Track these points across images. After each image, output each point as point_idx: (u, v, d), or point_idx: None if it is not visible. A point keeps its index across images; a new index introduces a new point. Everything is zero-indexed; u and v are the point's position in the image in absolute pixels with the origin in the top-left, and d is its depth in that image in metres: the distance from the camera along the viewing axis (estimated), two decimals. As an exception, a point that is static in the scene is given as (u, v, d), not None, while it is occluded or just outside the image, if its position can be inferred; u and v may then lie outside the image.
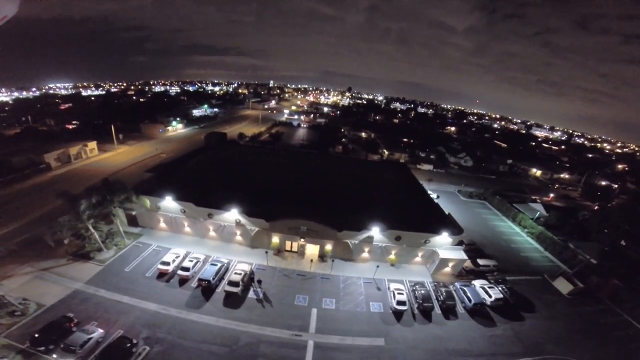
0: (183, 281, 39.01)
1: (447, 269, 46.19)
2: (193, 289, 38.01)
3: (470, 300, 39.72)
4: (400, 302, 37.98)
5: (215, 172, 62.39)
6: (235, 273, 39.63)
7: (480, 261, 48.74)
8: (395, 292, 38.87)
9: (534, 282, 48.11)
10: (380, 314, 37.03)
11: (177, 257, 41.54)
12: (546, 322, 39.81)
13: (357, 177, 67.39)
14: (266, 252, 44.58)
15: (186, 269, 39.55)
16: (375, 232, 45.10)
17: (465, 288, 41.63)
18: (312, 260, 45.17)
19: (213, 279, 38.33)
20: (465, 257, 46.17)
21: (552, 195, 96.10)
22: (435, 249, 46.17)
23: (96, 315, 32.78)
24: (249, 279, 39.72)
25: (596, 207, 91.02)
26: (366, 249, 46.80)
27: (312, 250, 46.67)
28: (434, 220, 48.48)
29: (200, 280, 38.07)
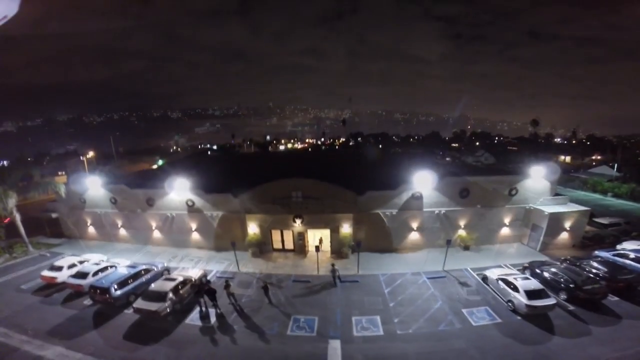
0: (74, 296, 18.53)
1: (563, 236, 23.22)
2: (84, 308, 17.19)
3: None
4: (534, 293, 15.19)
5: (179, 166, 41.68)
6: (166, 279, 18.04)
7: (603, 220, 26.63)
8: (511, 279, 16.49)
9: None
10: (497, 327, 14.41)
11: (80, 262, 20.86)
12: None
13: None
14: (233, 246, 21.47)
15: (82, 276, 18.66)
16: (424, 184, 23.60)
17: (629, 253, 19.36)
18: (318, 254, 21.56)
19: (116, 288, 16.80)
20: (584, 208, 23.92)
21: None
22: (530, 206, 24.08)
23: None
24: (195, 291, 17.56)
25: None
26: (413, 224, 24.47)
27: (317, 239, 24.36)
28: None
29: (92, 289, 16.93)
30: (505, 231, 24.82)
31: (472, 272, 20.31)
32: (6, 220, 26.16)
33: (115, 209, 27.61)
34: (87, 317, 16.29)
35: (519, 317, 15.13)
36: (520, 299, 15.26)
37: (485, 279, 18.78)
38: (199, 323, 15.69)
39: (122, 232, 27.93)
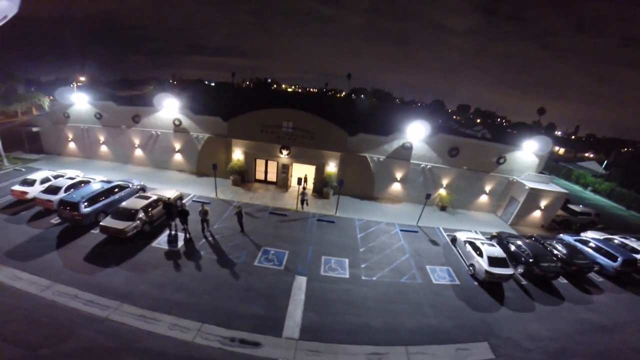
0: (43, 213, 16.65)
1: (536, 214, 22.78)
2: (50, 227, 15.59)
3: (615, 258, 17.31)
4: (496, 260, 15.01)
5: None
6: (138, 197, 16.77)
7: (575, 207, 26.74)
8: (478, 243, 16.30)
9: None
10: (454, 289, 14.43)
11: (55, 178, 18.58)
12: None
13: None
14: (214, 168, 20.35)
15: (54, 191, 16.71)
16: (415, 135, 22.41)
17: (594, 240, 19.10)
18: (305, 204, 20.95)
19: (86, 204, 15.28)
20: (564, 190, 23.95)
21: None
22: (513, 178, 23.19)
23: None
24: (166, 212, 15.90)
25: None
26: (398, 174, 23.64)
27: (302, 176, 22.27)
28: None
29: (61, 205, 15.13)
30: (483, 199, 24.13)
31: (443, 232, 20.19)
32: None
33: (99, 124, 25.43)
34: (50, 237, 14.86)
35: (475, 283, 15.07)
36: (482, 264, 14.98)
37: (454, 240, 18.61)
38: (165, 247, 15.10)
39: (104, 148, 26.27)
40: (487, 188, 23.74)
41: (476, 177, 23.35)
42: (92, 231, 15.56)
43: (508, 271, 14.87)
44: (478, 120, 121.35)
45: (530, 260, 16.20)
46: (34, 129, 26.77)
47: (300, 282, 13.71)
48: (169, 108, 23.40)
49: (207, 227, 16.38)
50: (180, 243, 15.52)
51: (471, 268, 15.90)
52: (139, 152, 25.48)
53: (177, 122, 23.81)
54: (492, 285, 14.96)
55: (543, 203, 22.38)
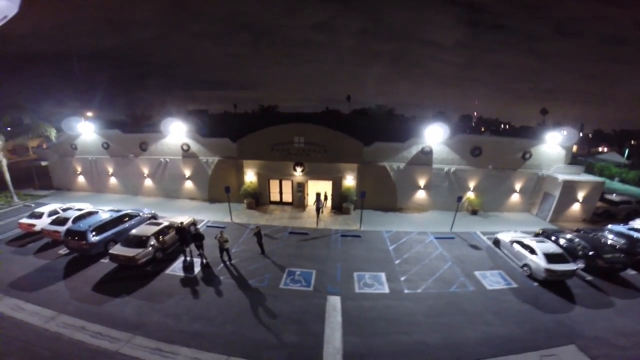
0: (51, 245, 15.68)
1: (575, 208, 20.62)
2: (57, 257, 14.48)
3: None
4: (553, 257, 12.94)
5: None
6: (149, 224, 15.46)
7: (613, 197, 24.30)
8: (528, 241, 14.30)
9: None
10: (513, 292, 12.22)
11: (64, 210, 17.56)
12: None
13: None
14: (227, 191, 18.99)
15: (62, 222, 15.64)
16: (434, 138, 20.99)
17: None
18: (320, 212, 19.96)
19: (94, 233, 14.15)
20: (600, 179, 21.89)
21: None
22: (543, 173, 21.44)
23: None
24: (179, 238, 14.46)
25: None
26: (421, 181, 22.00)
27: (319, 192, 20.89)
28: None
29: (68, 234, 14.07)
30: (514, 198, 22.32)
31: (481, 235, 18.17)
32: None
33: (107, 154, 24.93)
34: (57, 268, 13.68)
35: (535, 284, 13.03)
36: (539, 262, 13.09)
37: (497, 242, 16.62)
38: (180, 273, 13.46)
39: (113, 180, 25.44)
40: (517, 186, 21.92)
41: (504, 176, 21.63)
42: (102, 261, 14.12)
43: (570, 267, 12.81)
44: (482, 129, 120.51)
45: (590, 253, 14.06)
46: (43, 163, 26.35)
47: (334, 302, 11.73)
48: (176, 133, 22.66)
49: (227, 255, 14.44)
50: (197, 269, 13.81)
51: (526, 269, 13.79)
52: (148, 182, 24.49)
53: (185, 147, 23.03)
54: (554, 285, 12.84)
55: (580, 195, 20.43)
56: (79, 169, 25.85)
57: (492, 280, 13.24)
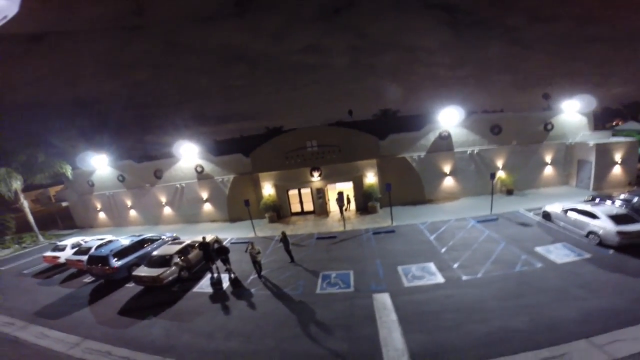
0: (75, 275, 15.12)
1: (616, 171, 18.43)
2: (82, 286, 13.78)
3: None
4: (620, 218, 10.97)
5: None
6: (172, 243, 14.30)
7: None
8: (585, 207, 12.41)
9: None
10: (592, 263, 10.14)
11: (86, 242, 17.10)
12: None
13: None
14: (247, 205, 17.41)
15: (85, 252, 14.83)
16: (449, 122, 19.66)
17: None
18: (345, 210, 18.88)
19: (116, 257, 13.18)
20: (632, 138, 19.44)
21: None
22: (570, 141, 19.67)
23: None
24: (204, 254, 13.04)
25: None
26: (446, 168, 20.32)
27: (341, 193, 19.16)
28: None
29: (90, 261, 13.20)
30: (548, 171, 20.44)
31: (526, 212, 16.16)
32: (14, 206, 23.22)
33: (123, 187, 24.42)
34: (82, 295, 12.85)
35: (610, 251, 10.97)
36: (606, 226, 11.11)
37: (547, 215, 14.60)
38: (209, 290, 12.05)
39: (133, 213, 24.77)
40: (547, 158, 20.11)
41: (530, 150, 19.98)
42: (127, 285, 13.02)
43: (646, 225, 10.72)
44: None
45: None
46: (64, 204, 26.15)
47: (383, 300, 9.95)
48: (189, 155, 21.99)
49: (260, 269, 12.71)
50: (226, 284, 12.31)
51: (592, 236, 11.71)
52: (167, 210, 23.59)
53: (199, 169, 22.22)
54: (633, 249, 10.65)
55: (617, 157, 18.40)
56: (99, 206, 25.40)
57: (560, 254, 11.22)
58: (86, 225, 26.22)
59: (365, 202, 19.84)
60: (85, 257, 14.33)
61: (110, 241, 16.07)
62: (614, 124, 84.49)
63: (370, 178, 19.86)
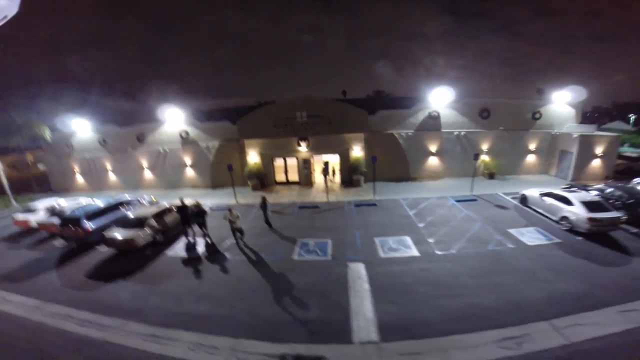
0: (47, 239, 14.07)
1: (595, 164, 18.71)
2: (51, 249, 12.90)
3: None
4: (593, 205, 11.15)
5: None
6: (149, 206, 13.97)
7: (631, 153, 22.62)
8: (561, 192, 12.63)
9: None
10: (560, 247, 10.37)
11: (60, 205, 15.98)
12: None
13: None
14: (230, 170, 16.99)
15: (59, 215, 13.98)
16: (440, 102, 19.42)
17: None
18: (329, 182, 18.63)
19: (89, 219, 12.38)
20: (615, 134, 19.72)
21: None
22: (556, 131, 19.80)
23: None
24: (181, 217, 12.43)
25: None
26: (432, 147, 20.24)
27: (326, 163, 18.61)
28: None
29: (62, 224, 12.28)
30: (531, 159, 20.56)
31: (504, 196, 16.31)
32: None
33: (104, 151, 23.09)
34: (51, 258, 12.15)
35: (579, 237, 11.17)
36: (578, 212, 11.22)
37: (524, 199, 14.75)
38: (182, 254, 11.69)
39: (112, 177, 23.69)
40: (532, 146, 20.25)
41: (516, 137, 19.95)
42: (98, 248, 12.42)
43: (615, 214, 10.93)
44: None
45: (631, 201, 12.21)
46: (40, 167, 24.56)
47: (357, 269, 9.92)
48: (174, 120, 20.88)
49: (240, 236, 12.19)
50: (201, 250, 11.99)
51: (564, 222, 11.92)
52: (148, 174, 22.70)
53: (184, 135, 21.20)
54: (600, 237, 10.95)
55: (598, 150, 18.55)
56: (77, 169, 24.07)
57: (531, 237, 11.38)
58: (63, 189, 24.75)
59: (350, 175, 19.57)
60: (57, 220, 13.52)
61: (86, 204, 15.25)
62: (602, 123, 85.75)
63: (357, 152, 19.46)
